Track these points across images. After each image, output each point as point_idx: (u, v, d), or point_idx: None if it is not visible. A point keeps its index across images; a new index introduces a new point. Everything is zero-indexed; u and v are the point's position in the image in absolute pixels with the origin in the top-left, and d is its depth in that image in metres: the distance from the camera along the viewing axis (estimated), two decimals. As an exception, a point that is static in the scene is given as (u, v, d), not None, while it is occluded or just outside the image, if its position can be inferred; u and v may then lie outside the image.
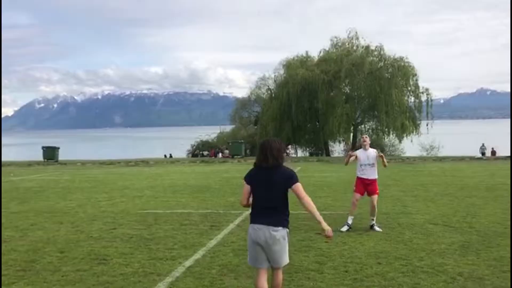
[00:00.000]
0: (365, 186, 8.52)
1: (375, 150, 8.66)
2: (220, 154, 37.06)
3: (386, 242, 7.40)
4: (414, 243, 7.25)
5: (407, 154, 38.16)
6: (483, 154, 35.12)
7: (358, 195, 8.57)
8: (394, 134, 37.40)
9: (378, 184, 8.73)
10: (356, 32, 38.74)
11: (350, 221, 8.45)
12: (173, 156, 41.49)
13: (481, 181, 15.75)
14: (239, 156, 33.28)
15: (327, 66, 36.94)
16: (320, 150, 43.00)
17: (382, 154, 8.71)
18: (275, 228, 4.19)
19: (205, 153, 40.27)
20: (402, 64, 35.64)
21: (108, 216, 10.14)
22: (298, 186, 4.23)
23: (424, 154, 39.70)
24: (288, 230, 4.31)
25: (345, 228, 8.33)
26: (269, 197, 4.23)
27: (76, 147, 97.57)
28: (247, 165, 26.37)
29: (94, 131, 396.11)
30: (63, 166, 28.61)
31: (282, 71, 40.99)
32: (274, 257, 4.27)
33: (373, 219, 8.50)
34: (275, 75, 42.87)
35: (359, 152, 8.59)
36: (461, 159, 27.54)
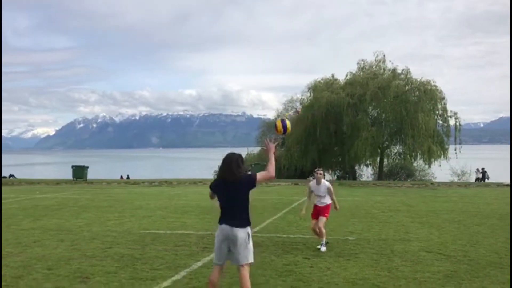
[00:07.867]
0: (318, 211, 9.08)
1: (326, 182, 9.14)
2: (244, 176, 37.17)
3: (371, 268, 7.32)
4: (398, 271, 7.15)
5: (437, 180, 37.21)
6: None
7: (313, 221, 9.11)
8: (421, 159, 36.67)
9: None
10: (384, 55, 38.47)
11: (323, 241, 8.82)
12: (130, 178, 41.22)
13: (497, 208, 15.28)
14: (262, 178, 33.22)
15: (353, 89, 36.67)
16: (347, 173, 42.55)
17: (333, 199, 9.20)
18: (238, 229, 4.85)
19: (230, 174, 40.45)
20: (429, 87, 35.06)
21: (110, 235, 10.39)
22: (257, 174, 4.95)
23: (455, 179, 38.64)
24: (250, 229, 4.95)
25: (323, 248, 8.68)
26: (232, 202, 4.92)
27: (109, 166, 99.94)
28: (267, 187, 26.38)
29: (131, 151, 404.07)
30: (89, 185, 29.37)
31: (308, 94, 41.09)
32: (237, 257, 4.88)
33: (322, 240, 8.80)
34: (301, 98, 43.07)
35: (312, 184, 9.15)
36: (486, 185, 26.71)
